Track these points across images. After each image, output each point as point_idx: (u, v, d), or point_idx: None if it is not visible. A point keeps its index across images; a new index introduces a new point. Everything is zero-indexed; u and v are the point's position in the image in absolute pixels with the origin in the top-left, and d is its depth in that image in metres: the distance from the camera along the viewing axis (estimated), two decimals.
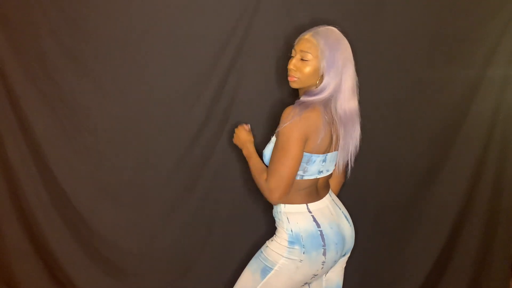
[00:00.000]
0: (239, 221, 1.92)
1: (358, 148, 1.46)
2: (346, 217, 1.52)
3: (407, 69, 1.84)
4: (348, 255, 1.56)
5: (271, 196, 1.36)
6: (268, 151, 1.42)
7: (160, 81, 1.76)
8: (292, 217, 1.43)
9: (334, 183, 1.66)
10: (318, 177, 1.45)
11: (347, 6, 1.75)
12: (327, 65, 1.35)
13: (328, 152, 1.41)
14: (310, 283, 1.53)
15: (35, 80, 1.72)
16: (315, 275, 1.43)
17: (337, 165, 1.50)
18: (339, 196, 1.68)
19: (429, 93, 1.88)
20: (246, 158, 1.54)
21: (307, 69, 1.37)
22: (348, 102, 1.38)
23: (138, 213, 1.88)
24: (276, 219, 1.50)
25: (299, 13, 1.71)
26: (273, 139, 1.41)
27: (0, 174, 1.80)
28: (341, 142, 1.42)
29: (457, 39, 1.83)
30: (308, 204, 1.44)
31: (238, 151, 1.81)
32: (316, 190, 1.47)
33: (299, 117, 1.31)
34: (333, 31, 1.40)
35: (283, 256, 1.40)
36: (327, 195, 1.52)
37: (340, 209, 1.53)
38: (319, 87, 1.38)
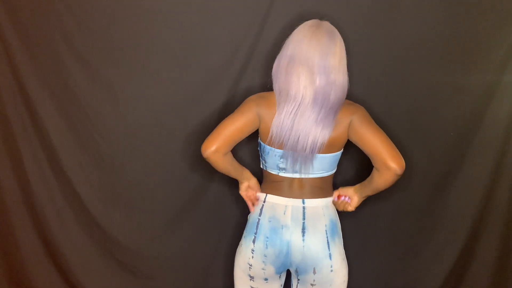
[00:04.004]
0: None
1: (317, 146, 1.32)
2: (304, 230, 1.37)
3: (421, 74, 1.81)
4: (310, 278, 1.39)
5: (202, 147, 1.34)
6: None
7: (172, 85, 1.77)
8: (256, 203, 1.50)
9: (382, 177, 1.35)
10: (280, 174, 1.41)
11: (360, 9, 1.73)
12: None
13: (286, 149, 1.34)
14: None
15: (49, 85, 1.75)
16: (250, 265, 1.42)
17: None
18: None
19: (444, 98, 1.85)
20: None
21: None
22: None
23: (150, 216, 1.90)
24: None
25: (311, 16, 1.70)
26: None
27: (15, 178, 1.83)
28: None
29: (472, 43, 1.80)
30: (269, 194, 1.45)
31: (250, 156, 1.81)
32: (288, 188, 1.42)
33: (258, 95, 1.40)
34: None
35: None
36: (300, 200, 1.40)
37: (303, 220, 1.38)
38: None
